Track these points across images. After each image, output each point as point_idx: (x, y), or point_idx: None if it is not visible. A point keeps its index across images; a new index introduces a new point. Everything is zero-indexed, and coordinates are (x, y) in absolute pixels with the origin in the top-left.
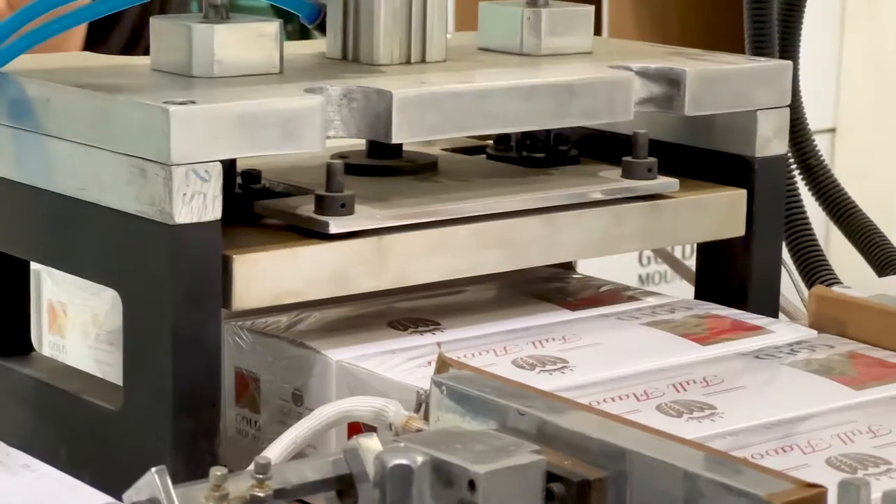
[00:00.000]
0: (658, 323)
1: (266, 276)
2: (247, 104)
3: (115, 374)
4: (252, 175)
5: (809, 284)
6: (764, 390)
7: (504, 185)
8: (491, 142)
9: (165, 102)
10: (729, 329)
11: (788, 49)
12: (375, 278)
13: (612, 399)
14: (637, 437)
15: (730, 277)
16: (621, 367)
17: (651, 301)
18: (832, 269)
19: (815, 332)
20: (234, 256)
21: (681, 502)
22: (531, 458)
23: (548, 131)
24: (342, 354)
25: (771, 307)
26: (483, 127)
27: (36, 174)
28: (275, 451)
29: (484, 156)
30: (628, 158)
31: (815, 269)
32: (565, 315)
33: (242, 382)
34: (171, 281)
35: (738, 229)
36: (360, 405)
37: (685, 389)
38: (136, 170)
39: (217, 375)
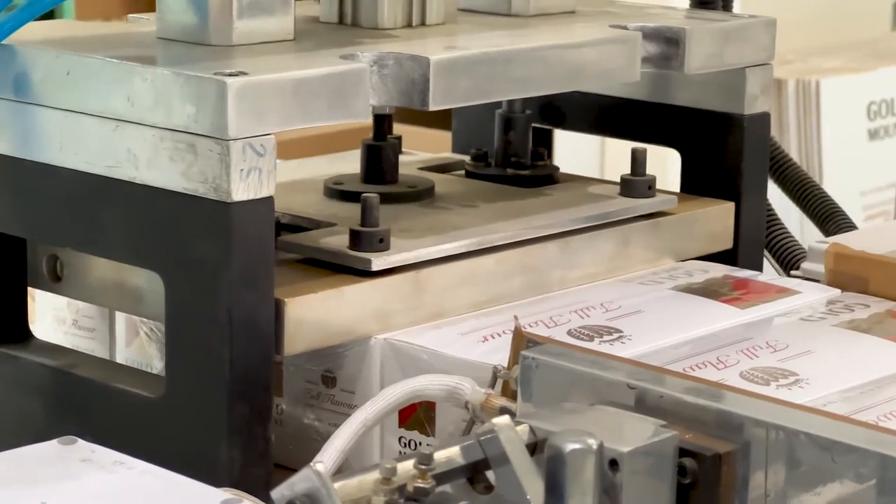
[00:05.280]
0: (684, 287)
1: (316, 318)
2: (299, 74)
3: None
4: None
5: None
6: (832, 354)
7: (514, 209)
8: (466, 158)
9: (216, 74)
10: (757, 291)
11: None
12: (413, 313)
13: (692, 368)
14: (763, 408)
15: None
16: (676, 335)
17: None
18: (785, 227)
19: (838, 290)
20: (285, 300)
21: (830, 476)
22: (665, 434)
23: (525, 145)
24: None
25: (757, 265)
26: (508, 92)
27: (50, 151)
28: (344, 436)
29: (463, 172)
30: (627, 176)
31: (770, 225)
32: None
33: None
34: (226, 262)
35: (727, 242)
36: (430, 384)
37: (756, 356)
38: (183, 145)
39: (271, 358)
